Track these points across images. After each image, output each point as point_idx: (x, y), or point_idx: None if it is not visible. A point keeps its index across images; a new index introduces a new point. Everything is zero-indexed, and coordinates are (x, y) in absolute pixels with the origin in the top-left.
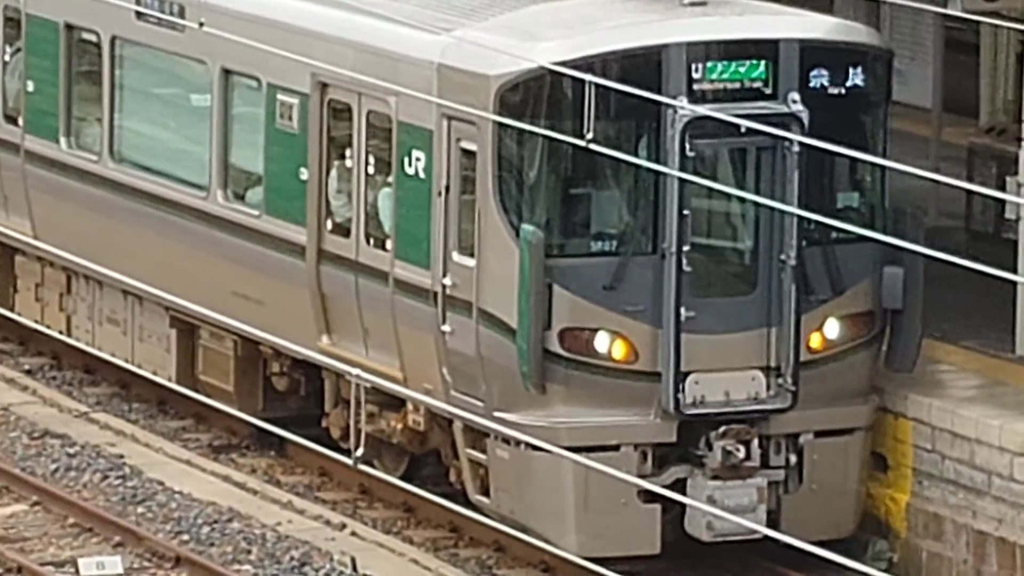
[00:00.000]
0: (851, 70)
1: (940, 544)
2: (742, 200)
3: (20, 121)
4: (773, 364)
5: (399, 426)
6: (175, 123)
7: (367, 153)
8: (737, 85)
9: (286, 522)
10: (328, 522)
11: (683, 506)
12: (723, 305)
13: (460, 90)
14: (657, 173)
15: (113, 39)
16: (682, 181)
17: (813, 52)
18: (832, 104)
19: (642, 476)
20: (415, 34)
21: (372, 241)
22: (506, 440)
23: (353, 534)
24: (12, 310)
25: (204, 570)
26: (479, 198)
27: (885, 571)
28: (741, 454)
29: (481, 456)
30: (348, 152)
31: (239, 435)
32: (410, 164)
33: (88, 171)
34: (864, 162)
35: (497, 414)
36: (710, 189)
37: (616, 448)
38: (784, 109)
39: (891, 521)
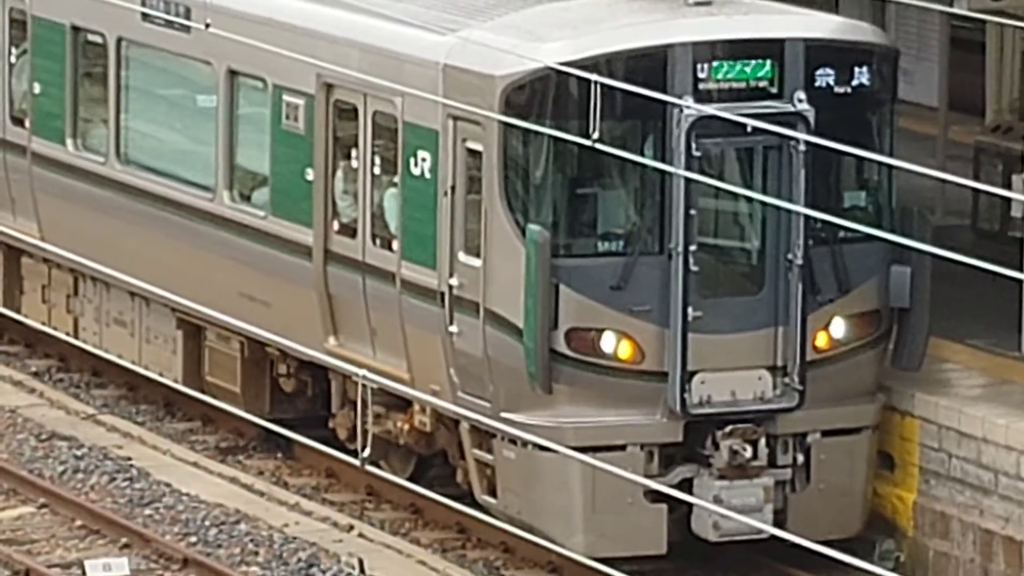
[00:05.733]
0: (857, 69)
1: (947, 543)
2: (749, 200)
3: (27, 123)
4: (780, 363)
5: (406, 427)
6: (181, 124)
7: (373, 154)
8: (743, 85)
9: (293, 524)
10: (335, 523)
11: (690, 506)
12: (730, 305)
13: (466, 90)
14: (663, 173)
15: (119, 40)
16: (688, 181)
17: (819, 51)
18: (838, 103)
19: (648, 476)
20: (420, 35)
21: (378, 242)
22: (513, 440)
23: (360, 535)
24: (19, 312)
25: (211, 572)
26: (485, 198)
27: (892, 570)
28: (748, 454)
29: (488, 457)
30: (354, 153)
31: (246, 437)
32: (416, 164)
33: (94, 173)
34: (870, 161)
35: (504, 414)
36: (717, 189)
37: (623, 448)
38: (790, 108)
39: (898, 520)
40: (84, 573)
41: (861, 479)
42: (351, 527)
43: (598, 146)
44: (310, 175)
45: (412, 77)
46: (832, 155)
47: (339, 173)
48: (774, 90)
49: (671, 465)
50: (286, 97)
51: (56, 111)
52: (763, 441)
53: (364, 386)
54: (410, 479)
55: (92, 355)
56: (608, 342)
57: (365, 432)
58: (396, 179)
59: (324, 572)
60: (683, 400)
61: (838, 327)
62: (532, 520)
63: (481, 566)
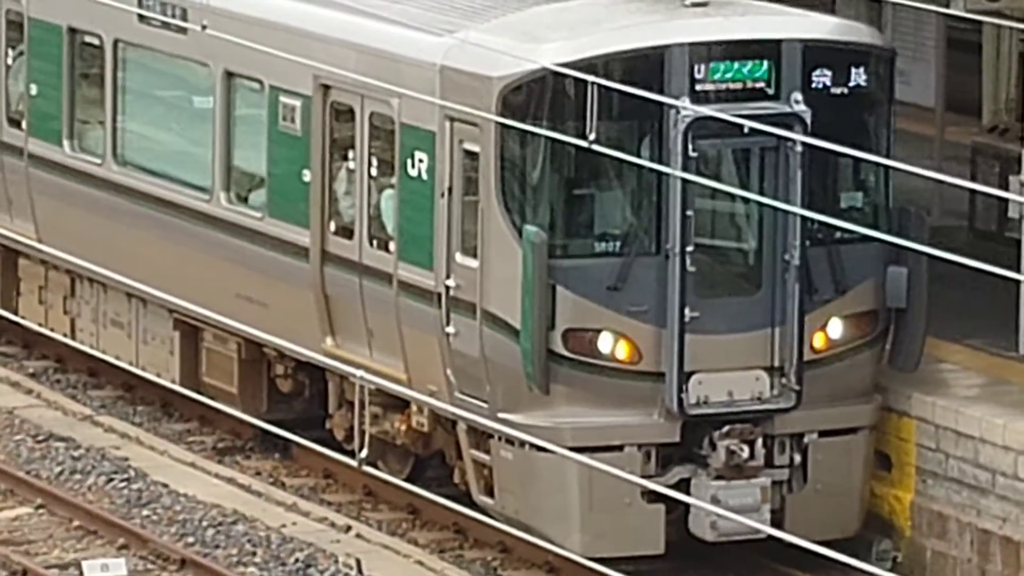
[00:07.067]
0: (854, 70)
1: (944, 543)
2: (746, 200)
3: (23, 124)
4: (777, 364)
5: (403, 428)
6: (178, 126)
7: (370, 155)
8: (740, 85)
9: (291, 524)
10: (333, 524)
11: (687, 506)
12: (727, 305)
13: (463, 91)
14: (660, 174)
15: (116, 42)
16: (685, 182)
17: (815, 52)
18: (835, 104)
19: (646, 476)
20: (417, 36)
21: (375, 243)
22: (510, 441)
23: (358, 536)
24: (16, 313)
25: (209, 572)
26: (482, 199)
27: (890, 570)
28: (745, 454)
29: (485, 457)
30: (351, 154)
31: (243, 437)
32: (413, 166)
33: (91, 174)
34: (867, 162)
35: (501, 415)
36: (713, 189)
37: (620, 448)
38: (787, 109)
39: (895, 520)
40: (82, 573)
41: (858, 479)
42: (349, 527)
43: (595, 147)
44: (307, 176)
45: (409, 78)
46: (829, 156)
47: (336, 174)
48: (771, 91)
49: (668, 465)
50: (283, 98)
51: (53, 112)
52: (760, 441)
53: (361, 387)
54: (407, 479)
55: (89, 356)
56: (605, 342)
57: (362, 433)
58: (393, 180)
59: (322, 572)
60: (680, 400)
61: (835, 327)
62: (530, 520)
63: (479, 566)
